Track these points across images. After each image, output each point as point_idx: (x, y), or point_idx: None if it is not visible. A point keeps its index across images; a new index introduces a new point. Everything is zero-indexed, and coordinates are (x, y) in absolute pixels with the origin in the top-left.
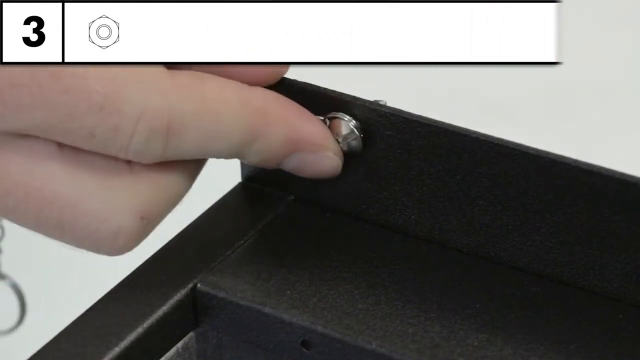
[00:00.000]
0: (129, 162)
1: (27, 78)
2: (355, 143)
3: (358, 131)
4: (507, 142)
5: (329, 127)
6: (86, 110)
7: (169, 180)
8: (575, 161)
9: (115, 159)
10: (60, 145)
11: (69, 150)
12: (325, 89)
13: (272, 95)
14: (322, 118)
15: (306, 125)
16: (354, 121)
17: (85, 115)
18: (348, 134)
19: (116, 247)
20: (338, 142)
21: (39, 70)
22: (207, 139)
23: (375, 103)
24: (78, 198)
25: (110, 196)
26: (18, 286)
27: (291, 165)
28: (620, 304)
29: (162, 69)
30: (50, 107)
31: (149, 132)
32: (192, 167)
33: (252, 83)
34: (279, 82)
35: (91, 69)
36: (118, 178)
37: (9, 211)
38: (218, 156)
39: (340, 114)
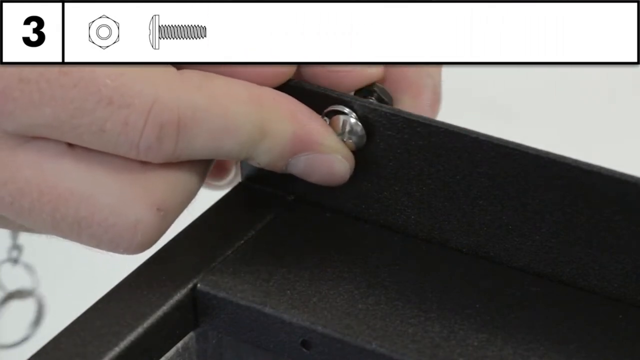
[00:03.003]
0: (140, 162)
1: (35, 74)
2: (356, 138)
3: (359, 125)
4: (507, 142)
5: (330, 124)
6: (95, 104)
7: (181, 176)
8: (575, 161)
9: (127, 158)
10: (71, 145)
11: (80, 149)
12: (326, 89)
13: (281, 94)
14: (321, 116)
15: (313, 124)
16: (354, 114)
17: (94, 110)
18: (350, 128)
19: (135, 242)
20: (344, 142)
21: (46, 65)
22: (217, 136)
23: (376, 103)
24: (93, 193)
25: (125, 190)
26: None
27: (299, 167)
28: (620, 304)
29: (170, 67)
30: (60, 102)
31: (160, 126)
32: (202, 165)
33: (259, 84)
34: None
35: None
36: (131, 174)
37: (25, 213)
38: (228, 156)
39: (339, 107)
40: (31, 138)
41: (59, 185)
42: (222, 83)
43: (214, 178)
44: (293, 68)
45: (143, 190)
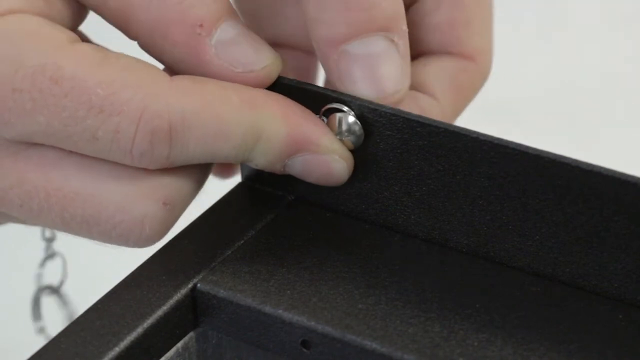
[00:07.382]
0: None
1: (27, 84)
2: (354, 137)
3: (357, 124)
4: (507, 142)
5: (327, 123)
6: (86, 112)
7: (186, 170)
8: (575, 161)
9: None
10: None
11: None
12: (325, 89)
13: (273, 95)
14: (318, 116)
15: (308, 124)
16: (352, 112)
17: (85, 118)
18: (348, 127)
19: (144, 236)
20: (341, 140)
21: (38, 75)
22: (211, 141)
23: (375, 102)
24: (98, 193)
25: (130, 187)
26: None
27: (297, 168)
28: (620, 304)
29: (162, 72)
30: (52, 110)
31: (151, 133)
32: (202, 165)
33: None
34: (277, 81)
35: (90, 72)
36: (134, 172)
37: (35, 214)
38: (225, 159)
39: (337, 105)
40: (33, 144)
41: (64, 186)
42: (214, 87)
43: (221, 175)
44: (279, 66)
45: (147, 186)
